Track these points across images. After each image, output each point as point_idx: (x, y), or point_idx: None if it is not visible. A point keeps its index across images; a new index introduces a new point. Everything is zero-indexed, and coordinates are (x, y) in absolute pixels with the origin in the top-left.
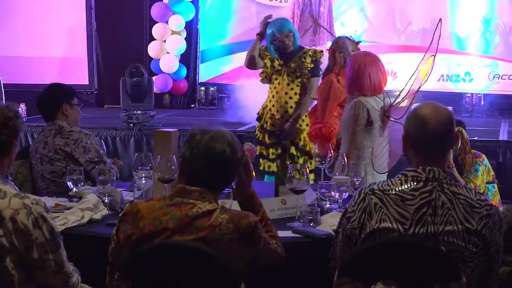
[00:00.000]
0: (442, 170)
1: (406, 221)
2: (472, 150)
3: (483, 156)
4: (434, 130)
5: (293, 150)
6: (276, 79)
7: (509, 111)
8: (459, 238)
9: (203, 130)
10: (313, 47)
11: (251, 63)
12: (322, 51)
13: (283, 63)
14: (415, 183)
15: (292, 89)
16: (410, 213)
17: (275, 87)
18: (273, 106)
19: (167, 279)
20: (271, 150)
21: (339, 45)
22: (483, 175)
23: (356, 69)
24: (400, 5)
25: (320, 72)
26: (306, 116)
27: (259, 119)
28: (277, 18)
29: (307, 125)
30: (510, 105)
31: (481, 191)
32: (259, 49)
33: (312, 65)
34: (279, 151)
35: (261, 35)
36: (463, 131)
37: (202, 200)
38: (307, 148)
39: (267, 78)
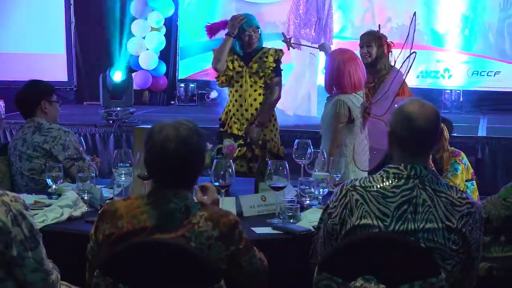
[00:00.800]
0: (424, 168)
1: (387, 218)
2: (450, 148)
3: (462, 154)
4: (421, 127)
5: (258, 152)
6: (237, 81)
7: (487, 108)
8: (439, 236)
9: (158, 129)
10: (274, 48)
11: (221, 64)
12: (282, 50)
13: (243, 64)
14: (396, 180)
15: (255, 90)
16: (391, 210)
17: (236, 90)
18: (237, 110)
19: (146, 277)
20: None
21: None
22: (462, 174)
23: (336, 67)
24: (379, 2)
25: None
26: (272, 116)
27: (222, 125)
28: (243, 13)
29: (273, 125)
30: (489, 101)
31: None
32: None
33: (275, 65)
34: (250, 154)
35: (231, 35)
36: (444, 127)
37: (177, 198)
38: (275, 151)
39: (227, 81)
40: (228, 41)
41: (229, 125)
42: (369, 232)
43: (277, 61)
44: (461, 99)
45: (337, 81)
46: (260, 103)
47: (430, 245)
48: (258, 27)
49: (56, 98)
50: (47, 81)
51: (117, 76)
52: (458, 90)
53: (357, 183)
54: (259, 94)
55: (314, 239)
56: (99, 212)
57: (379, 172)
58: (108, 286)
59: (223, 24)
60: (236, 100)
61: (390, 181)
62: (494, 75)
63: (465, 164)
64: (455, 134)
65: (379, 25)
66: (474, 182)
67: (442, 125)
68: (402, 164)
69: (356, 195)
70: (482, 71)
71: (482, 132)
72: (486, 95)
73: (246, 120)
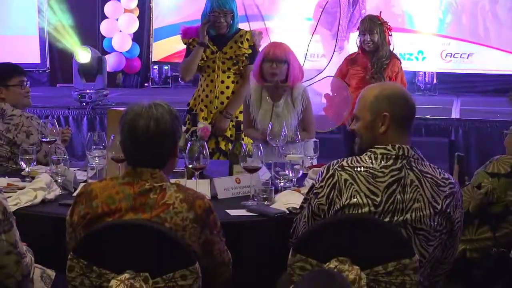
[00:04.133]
0: (410, 147)
1: (377, 197)
2: None
3: None
4: (414, 104)
5: (223, 145)
6: (209, 66)
7: (461, 90)
8: (425, 216)
9: (131, 108)
10: (251, 31)
11: (190, 75)
12: (261, 32)
13: (217, 49)
14: (385, 161)
15: (228, 77)
16: (380, 190)
17: (208, 75)
18: (206, 96)
19: (121, 258)
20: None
21: None
22: None
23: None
24: None
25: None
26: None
27: (189, 111)
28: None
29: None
30: (463, 83)
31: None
32: (187, 41)
33: (250, 51)
34: (213, 145)
35: (202, 44)
36: None
37: (153, 178)
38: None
39: (197, 69)
40: (199, 51)
41: (196, 111)
42: (358, 211)
43: (253, 47)
44: (435, 81)
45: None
46: (232, 92)
47: (416, 225)
48: (231, 11)
49: (19, 81)
50: (6, 63)
51: (84, 57)
52: (432, 72)
53: (344, 163)
54: (232, 82)
55: (296, 218)
56: (75, 194)
57: (365, 153)
58: (82, 269)
59: (197, 30)
60: (207, 85)
61: (379, 161)
62: (468, 57)
63: None
64: (428, 116)
65: (380, 12)
66: None
67: None
68: (390, 145)
69: (345, 174)
70: (455, 54)
71: (455, 114)
72: (460, 77)
73: (215, 108)
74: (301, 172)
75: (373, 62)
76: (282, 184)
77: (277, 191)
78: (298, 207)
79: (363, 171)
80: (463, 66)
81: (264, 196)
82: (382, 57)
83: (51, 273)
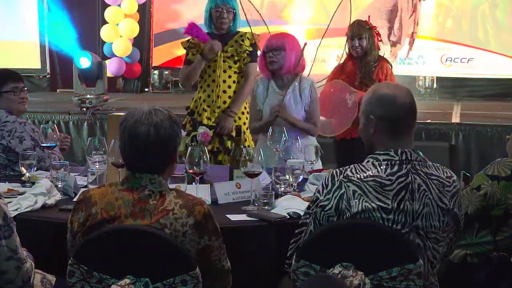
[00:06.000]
0: (413, 151)
1: (387, 206)
2: None
3: None
4: (404, 106)
5: (229, 144)
6: (209, 66)
7: (461, 94)
8: (435, 219)
9: (131, 115)
10: (251, 32)
11: (190, 84)
12: (260, 35)
13: None
14: (390, 167)
15: (230, 76)
16: (390, 198)
17: (209, 75)
18: (208, 96)
19: (121, 264)
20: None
21: None
22: None
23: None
24: None
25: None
26: (246, 103)
27: (190, 114)
28: None
29: (247, 118)
30: (463, 87)
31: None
32: (186, 44)
33: (251, 49)
34: (217, 144)
35: (205, 59)
36: None
37: (152, 184)
38: (247, 143)
39: None
40: (201, 64)
41: (199, 113)
42: (369, 215)
43: (254, 45)
44: (435, 85)
45: (302, 63)
46: (234, 91)
47: (428, 230)
48: (233, 8)
49: (12, 87)
50: (1, 70)
51: (84, 62)
52: (432, 76)
53: (349, 173)
54: (234, 81)
55: (293, 241)
56: (75, 200)
57: (367, 160)
58: (83, 274)
59: (202, 36)
60: (208, 85)
61: (384, 168)
62: (468, 62)
63: None
64: (428, 121)
65: (369, 16)
66: None
67: None
68: (392, 150)
69: (353, 186)
70: (455, 58)
71: (455, 119)
72: (460, 81)
73: (218, 107)
74: (301, 177)
75: (360, 67)
76: (282, 189)
77: (277, 196)
78: (298, 212)
79: (370, 180)
80: (463, 71)
81: (265, 201)
82: (370, 62)
83: (52, 278)
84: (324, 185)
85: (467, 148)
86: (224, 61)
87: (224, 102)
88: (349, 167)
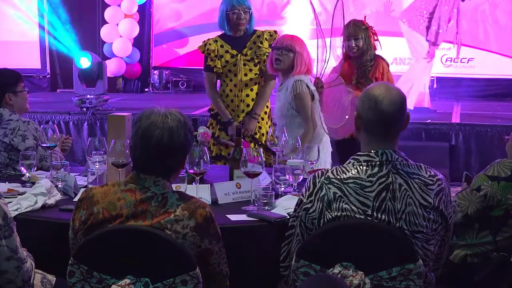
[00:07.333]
0: (393, 151)
1: (368, 208)
2: None
3: None
4: (387, 109)
5: (252, 146)
6: (230, 71)
7: (461, 94)
8: (420, 217)
9: (147, 115)
10: (268, 30)
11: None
12: (276, 31)
13: (236, 52)
14: (370, 168)
15: (251, 79)
16: (371, 199)
17: (230, 80)
18: (231, 101)
19: (121, 263)
20: (230, 149)
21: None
22: None
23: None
24: None
25: None
26: (267, 107)
27: (214, 116)
28: None
29: (268, 117)
30: (463, 88)
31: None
32: (204, 49)
33: (270, 50)
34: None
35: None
36: None
37: (155, 186)
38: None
39: (217, 76)
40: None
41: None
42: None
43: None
44: (435, 86)
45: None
46: (256, 94)
47: (413, 229)
48: (249, 8)
49: (23, 86)
50: (10, 70)
51: (84, 62)
52: (432, 77)
53: (330, 174)
54: (255, 84)
55: (284, 244)
56: (77, 199)
57: (348, 161)
58: (83, 274)
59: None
60: (230, 90)
61: (365, 169)
62: (468, 62)
63: None
64: (428, 121)
65: (365, 16)
66: None
67: None
68: (372, 151)
69: (334, 188)
70: (455, 58)
71: (455, 119)
72: (460, 82)
73: (242, 111)
74: (301, 177)
75: (357, 67)
76: (282, 189)
77: (277, 196)
78: None
79: (351, 182)
80: (463, 71)
81: (265, 201)
82: (366, 61)
83: (52, 278)
84: (307, 188)
85: (467, 148)
86: (244, 64)
87: (248, 105)
88: (331, 169)
